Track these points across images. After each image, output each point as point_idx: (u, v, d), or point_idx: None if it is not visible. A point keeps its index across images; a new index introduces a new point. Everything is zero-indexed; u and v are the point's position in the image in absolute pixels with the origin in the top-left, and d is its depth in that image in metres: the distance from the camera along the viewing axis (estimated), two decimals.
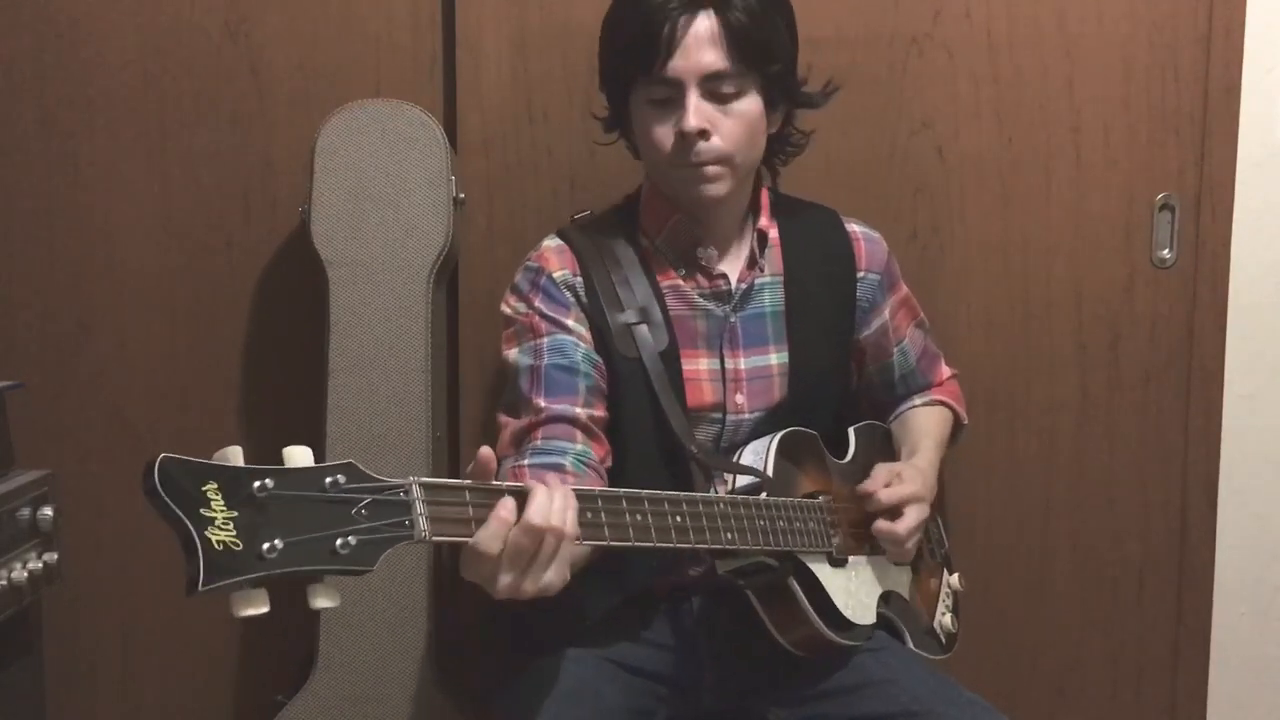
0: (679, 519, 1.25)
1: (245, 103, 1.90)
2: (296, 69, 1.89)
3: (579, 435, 1.41)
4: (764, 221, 1.56)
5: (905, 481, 1.49)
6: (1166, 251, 1.97)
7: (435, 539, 1.02)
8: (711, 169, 1.43)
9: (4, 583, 1.57)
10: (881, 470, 1.51)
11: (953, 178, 1.94)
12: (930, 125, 1.93)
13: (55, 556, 1.67)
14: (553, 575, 1.11)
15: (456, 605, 1.86)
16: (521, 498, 1.09)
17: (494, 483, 1.09)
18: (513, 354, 1.49)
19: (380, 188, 1.76)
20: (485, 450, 1.09)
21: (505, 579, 1.08)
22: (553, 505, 1.10)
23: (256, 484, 0.92)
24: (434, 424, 1.78)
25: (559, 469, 1.36)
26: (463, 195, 1.81)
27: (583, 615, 1.43)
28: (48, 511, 1.65)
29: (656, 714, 1.48)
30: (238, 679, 2.00)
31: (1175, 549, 2.02)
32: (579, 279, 1.49)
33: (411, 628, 1.77)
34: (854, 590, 1.47)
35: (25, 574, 1.60)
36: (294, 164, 1.87)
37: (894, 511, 1.48)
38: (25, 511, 1.63)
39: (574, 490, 1.15)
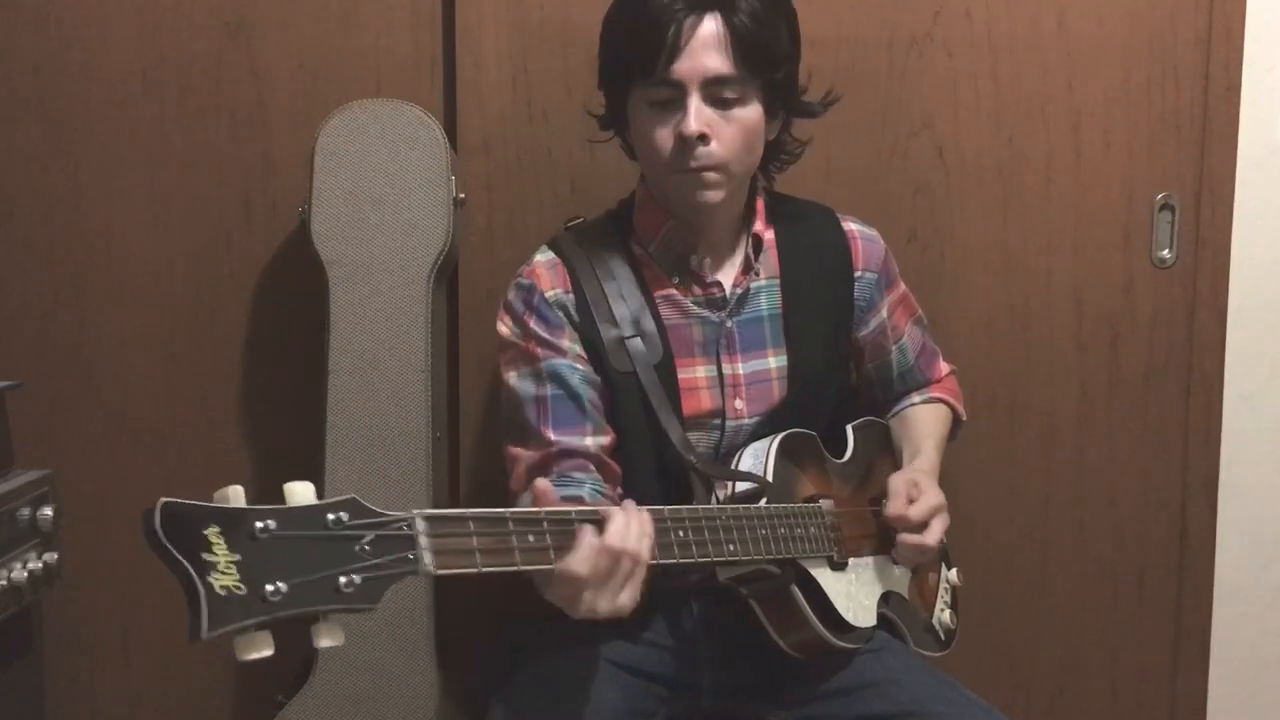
0: (681, 534, 1.25)
1: (245, 103, 1.90)
2: (296, 69, 1.89)
3: (591, 467, 1.44)
4: (759, 225, 1.55)
5: (926, 492, 1.49)
6: (1166, 251, 1.97)
7: (440, 572, 1.02)
8: (709, 175, 1.42)
9: (4, 583, 1.57)
10: (900, 485, 1.49)
11: (953, 178, 1.94)
12: (930, 125, 1.93)
13: (55, 556, 1.66)
14: (627, 596, 1.16)
15: (456, 606, 1.86)
16: (597, 523, 1.15)
17: (504, 509, 1.10)
18: (513, 378, 1.49)
19: (380, 188, 1.76)
20: (541, 482, 1.18)
21: (587, 599, 1.14)
22: (630, 530, 1.15)
23: (258, 525, 0.92)
24: (434, 424, 1.78)
25: (578, 500, 1.37)
26: (463, 195, 1.81)
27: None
28: (48, 511, 1.65)
29: (656, 715, 1.48)
30: (238, 679, 2.00)
31: (1175, 549, 2.03)
32: (570, 296, 1.48)
33: (411, 628, 1.77)
34: (854, 593, 1.47)
35: (25, 574, 1.60)
36: (294, 164, 1.87)
37: (921, 524, 1.47)
38: (25, 511, 1.63)
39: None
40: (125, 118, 1.90)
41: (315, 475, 1.74)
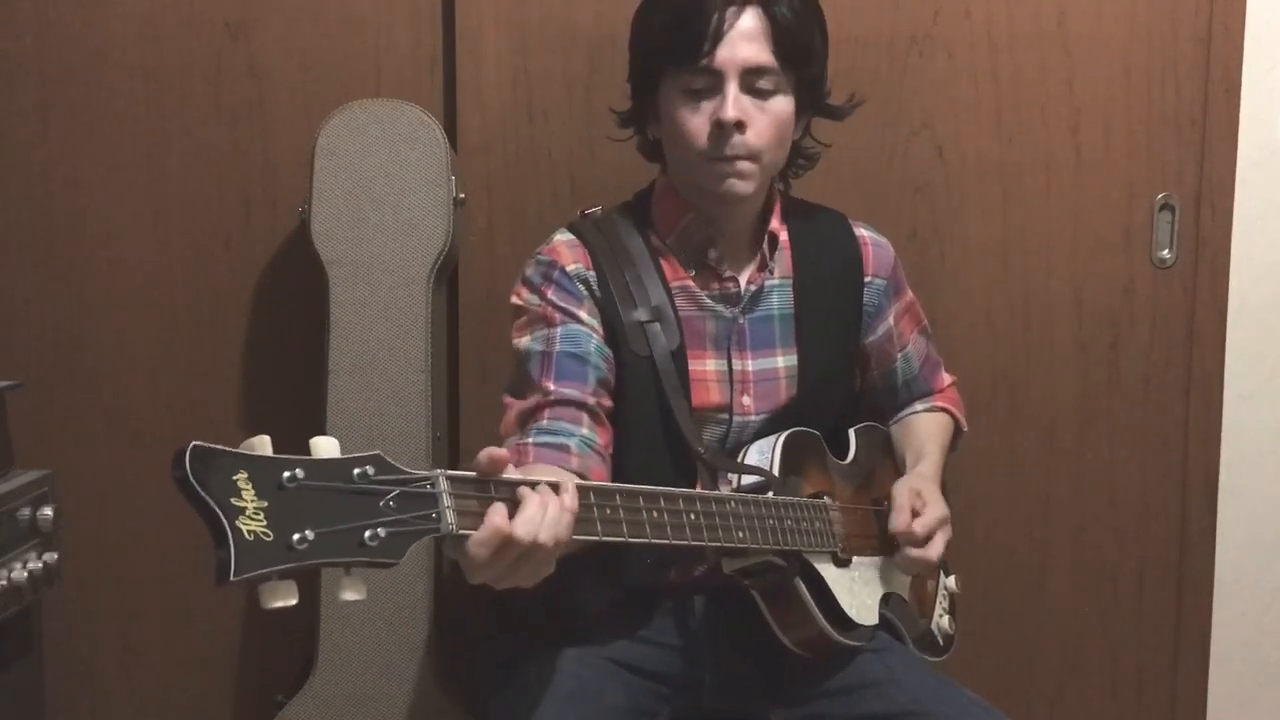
0: (693, 516, 1.25)
1: (245, 103, 1.90)
2: (296, 69, 1.89)
3: (586, 419, 1.41)
4: (774, 224, 1.55)
5: (929, 504, 1.48)
6: (1166, 251, 1.97)
7: (462, 532, 1.01)
8: (743, 164, 1.43)
9: (4, 583, 1.57)
10: (903, 496, 1.49)
11: (953, 178, 1.94)
12: (930, 125, 1.93)
13: (55, 556, 1.66)
14: (531, 578, 1.10)
15: (456, 605, 1.86)
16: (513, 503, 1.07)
17: (516, 477, 1.08)
18: (524, 341, 1.47)
19: (380, 188, 1.76)
20: (493, 451, 1.07)
21: (484, 575, 1.08)
22: (544, 518, 1.07)
23: (286, 474, 0.92)
24: (434, 424, 1.78)
25: (564, 449, 1.36)
26: (463, 195, 1.81)
27: (579, 612, 1.44)
28: (48, 511, 1.65)
29: (659, 714, 1.48)
30: (238, 679, 2.00)
31: (1175, 549, 2.03)
32: (592, 273, 1.48)
33: (411, 627, 1.77)
34: (857, 591, 1.47)
35: (25, 574, 1.60)
36: (294, 164, 1.87)
37: (926, 538, 1.47)
38: (25, 511, 1.63)
39: (594, 486, 1.15)
40: (125, 118, 1.90)
41: None
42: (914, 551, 1.46)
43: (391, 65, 1.90)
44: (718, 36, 1.40)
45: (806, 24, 1.45)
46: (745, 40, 1.41)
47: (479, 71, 1.89)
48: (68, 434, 1.95)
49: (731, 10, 1.40)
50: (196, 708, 2.01)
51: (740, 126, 1.41)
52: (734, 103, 1.40)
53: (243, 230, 1.93)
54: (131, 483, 1.95)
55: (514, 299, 1.51)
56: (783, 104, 1.44)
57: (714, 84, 1.41)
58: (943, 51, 1.92)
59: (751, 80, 1.42)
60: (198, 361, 1.95)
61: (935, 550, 1.47)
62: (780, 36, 1.42)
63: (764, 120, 1.43)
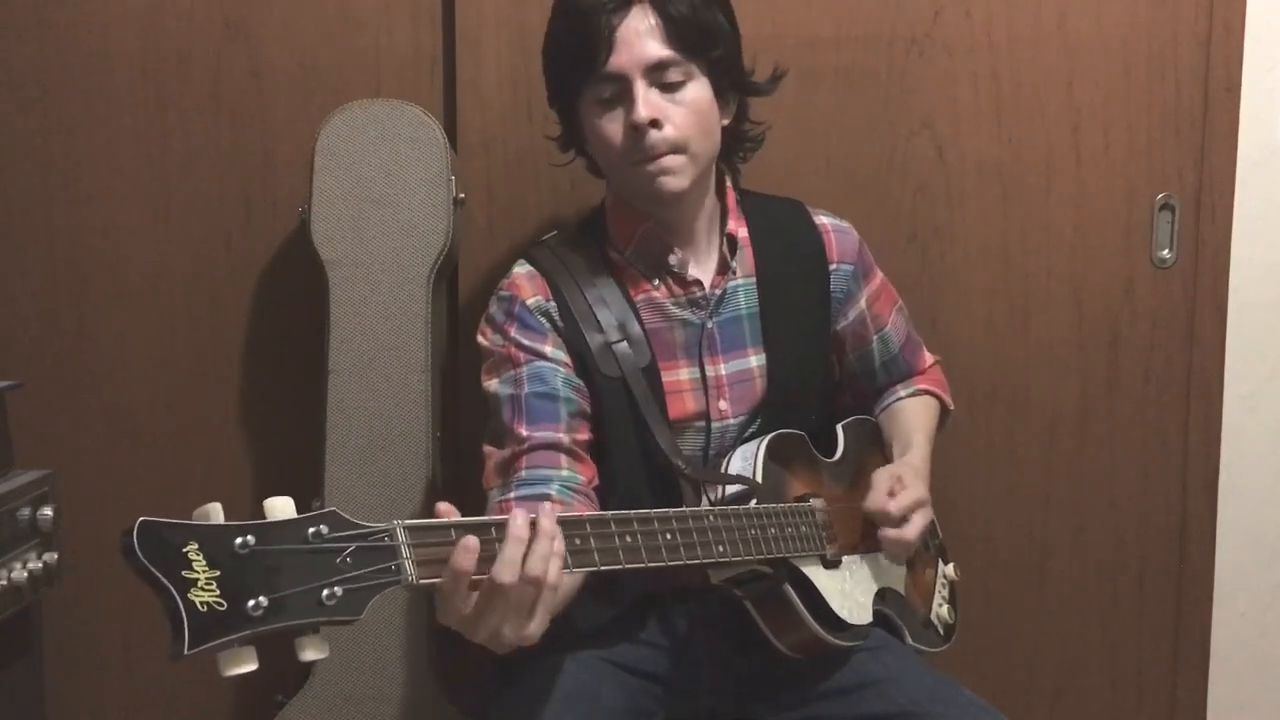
0: (669, 536, 1.24)
1: (245, 103, 1.90)
2: (296, 69, 1.89)
3: (563, 460, 1.41)
4: (732, 223, 1.55)
5: (908, 487, 1.49)
6: (1166, 251, 1.97)
7: (423, 582, 1.00)
8: (669, 160, 1.42)
9: (4, 583, 1.57)
10: (882, 479, 1.50)
11: (953, 178, 1.94)
12: (930, 125, 1.93)
13: (55, 556, 1.66)
14: (535, 626, 1.08)
15: None
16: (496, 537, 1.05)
17: (485, 518, 1.07)
18: (493, 385, 1.49)
19: (380, 188, 1.76)
20: (442, 506, 1.06)
21: (481, 628, 1.06)
22: (534, 554, 1.05)
23: (238, 541, 0.91)
24: (434, 424, 1.78)
25: (545, 499, 1.35)
26: (463, 195, 1.81)
27: (574, 630, 1.43)
28: (48, 511, 1.65)
29: (655, 715, 1.48)
30: (238, 679, 2.00)
31: (1175, 549, 2.03)
32: (552, 304, 1.48)
33: (411, 627, 1.77)
34: (849, 591, 1.47)
35: (25, 574, 1.60)
36: (294, 164, 1.87)
37: (901, 518, 1.47)
38: (25, 511, 1.63)
39: (561, 518, 1.12)
40: (125, 118, 1.90)
41: (315, 476, 1.75)
42: (890, 532, 1.46)
43: (391, 65, 1.90)
44: (610, 41, 1.40)
45: (702, 8, 1.44)
46: (639, 38, 1.41)
47: (479, 71, 1.89)
48: (68, 434, 1.94)
49: (618, 13, 1.41)
50: (196, 708, 2.01)
51: (656, 124, 1.41)
52: (644, 102, 1.40)
53: (243, 230, 1.93)
54: (131, 483, 1.95)
55: (479, 338, 1.52)
56: (696, 91, 1.44)
57: (623, 89, 1.42)
58: (943, 52, 1.91)
59: (658, 76, 1.42)
60: (198, 361, 1.95)
61: (912, 531, 1.46)
62: (673, 27, 1.41)
63: (679, 112, 1.42)
